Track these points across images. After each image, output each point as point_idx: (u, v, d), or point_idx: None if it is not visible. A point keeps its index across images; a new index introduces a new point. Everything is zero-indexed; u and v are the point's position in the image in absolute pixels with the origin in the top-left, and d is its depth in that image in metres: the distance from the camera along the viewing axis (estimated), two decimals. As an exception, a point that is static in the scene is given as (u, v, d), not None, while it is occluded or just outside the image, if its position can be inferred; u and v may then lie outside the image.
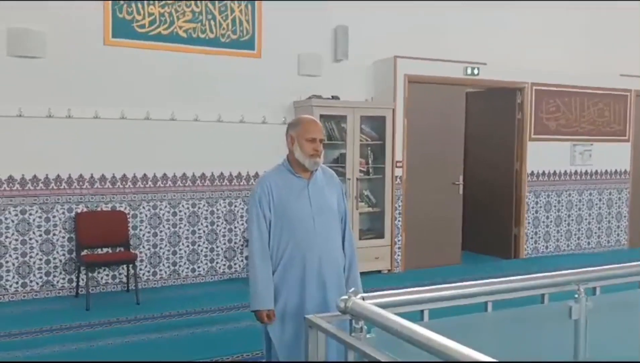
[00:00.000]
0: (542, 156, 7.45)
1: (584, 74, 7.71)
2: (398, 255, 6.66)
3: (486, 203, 7.54)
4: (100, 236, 5.42)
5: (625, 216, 8.18)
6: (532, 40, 7.45)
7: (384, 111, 6.45)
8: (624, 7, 8.07)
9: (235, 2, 6.03)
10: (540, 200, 7.55)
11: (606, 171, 8.00)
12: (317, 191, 2.80)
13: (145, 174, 5.71)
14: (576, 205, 7.84)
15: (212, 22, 5.93)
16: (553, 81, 7.45)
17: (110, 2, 5.47)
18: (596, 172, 7.93)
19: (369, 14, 6.60)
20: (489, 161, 7.53)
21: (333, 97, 6.26)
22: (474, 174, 7.37)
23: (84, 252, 5.37)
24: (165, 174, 5.80)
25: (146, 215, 5.73)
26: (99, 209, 5.52)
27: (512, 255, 7.45)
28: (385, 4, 6.66)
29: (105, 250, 5.53)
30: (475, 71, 6.87)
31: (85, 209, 5.47)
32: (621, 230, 8.18)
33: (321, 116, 5.89)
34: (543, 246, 7.61)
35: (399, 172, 6.57)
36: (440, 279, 5.57)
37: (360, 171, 6.37)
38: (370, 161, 6.50)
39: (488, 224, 7.56)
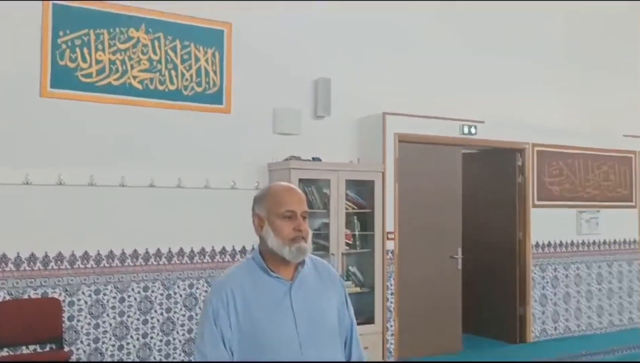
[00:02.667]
0: (546, 224, 6.65)
1: (587, 133, 7.06)
2: (391, 343, 5.65)
3: (487, 278, 6.64)
4: (25, 330, 4.33)
5: (636, 291, 7.36)
6: (533, 97, 6.80)
7: (372, 174, 5.59)
8: (624, 64, 7.54)
9: (201, 49, 5.22)
10: (546, 275, 6.69)
11: (614, 240, 7.23)
12: (306, 299, 1.85)
13: (86, 252, 4.66)
14: (585, 279, 6.99)
15: (173, 72, 5.09)
16: (555, 141, 6.76)
17: (49, 46, 4.60)
18: (604, 242, 7.15)
19: (355, 66, 5.85)
20: (490, 231, 6.68)
21: (314, 159, 5.40)
22: (474, 247, 6.48)
23: (3, 352, 4.26)
24: (111, 252, 4.76)
25: (86, 302, 4.65)
26: (25, 296, 4.44)
27: (517, 339, 6.50)
28: (372, 56, 5.94)
29: (31, 348, 4.42)
30: (472, 130, 6.13)
31: (7, 298, 4.39)
32: (633, 307, 7.33)
33: (300, 181, 5.02)
34: (551, 327, 6.70)
35: (390, 245, 5.65)
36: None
37: (346, 244, 5.43)
38: (357, 232, 5.58)
39: (490, 303, 6.64)
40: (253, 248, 5.17)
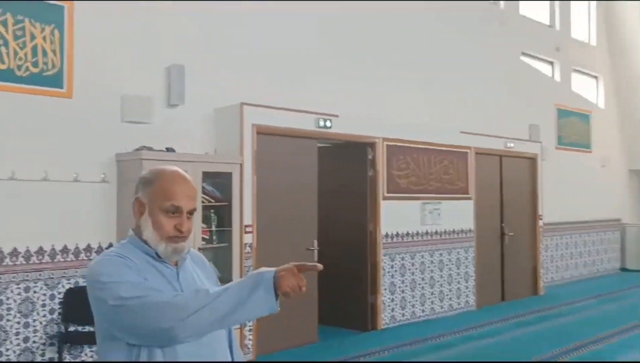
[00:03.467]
0: (395, 216, 6.95)
1: (430, 129, 7.50)
2: (249, 339, 5.53)
3: (342, 269, 6.75)
4: None
5: (472, 276, 7.98)
6: (383, 94, 7.07)
7: (230, 166, 5.42)
8: (461, 63, 8.15)
9: (37, 25, 4.67)
10: (395, 264, 7.00)
11: (454, 230, 7.76)
12: (192, 285, 1.72)
13: None
14: (429, 267, 7.43)
15: (4, 49, 4.49)
16: (402, 136, 7.08)
17: None
18: (445, 231, 7.64)
19: (211, 53, 5.62)
20: (343, 223, 6.82)
21: (167, 150, 5.10)
22: (329, 238, 6.57)
23: None
24: None
25: None
26: None
27: (369, 327, 6.73)
28: (230, 44, 5.76)
29: None
30: (328, 123, 6.20)
31: None
32: (469, 291, 7.94)
33: (154, 172, 4.67)
34: (400, 314, 7.02)
35: (248, 238, 5.52)
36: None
37: (203, 239, 5.20)
38: (214, 227, 5.38)
39: (344, 293, 6.78)
40: (101, 247, 4.77)
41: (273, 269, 1.55)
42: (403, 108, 7.37)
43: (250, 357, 5.50)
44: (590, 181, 11.04)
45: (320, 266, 1.58)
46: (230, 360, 1.82)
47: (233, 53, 5.80)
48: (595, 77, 11.84)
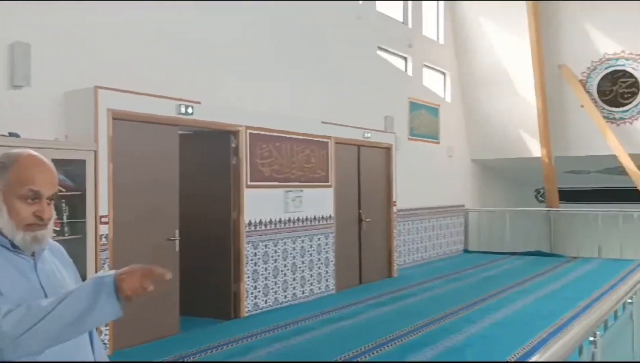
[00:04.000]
0: (258, 204, 6.99)
1: (292, 118, 7.62)
2: (105, 335, 5.28)
3: (204, 258, 6.69)
4: None
5: (332, 261, 8.26)
6: (246, 82, 7.05)
7: (83, 153, 5.10)
8: (322, 56, 8.36)
9: None
10: (258, 251, 7.05)
11: (315, 216, 7.97)
12: (51, 277, 1.64)
13: None
14: (291, 254, 7.57)
15: None
16: (266, 124, 7.12)
17: None
18: (306, 218, 7.83)
19: (61, 32, 5.23)
20: (206, 212, 6.73)
21: (10, 135, 4.68)
22: (191, 227, 6.44)
23: None
24: None
25: None
26: None
27: (232, 315, 6.72)
28: (81, 22, 5.39)
29: None
30: (189, 110, 6.06)
31: None
32: (329, 275, 8.22)
33: (-5, 159, 4.27)
34: (263, 301, 7.09)
35: (104, 229, 5.25)
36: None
37: (54, 230, 4.84)
38: (65, 218, 5.03)
39: (207, 283, 6.71)
40: None
41: (112, 272, 1.48)
42: (267, 97, 7.43)
43: (106, 353, 5.25)
44: (438, 170, 11.92)
45: (169, 274, 1.50)
46: (92, 359, 1.72)
47: (87, 32, 5.46)
48: (443, 73, 12.75)
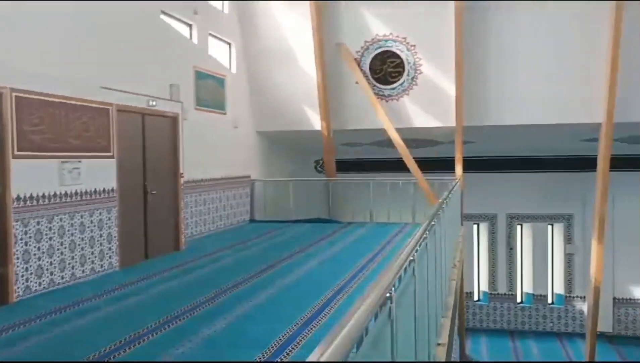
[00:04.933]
0: (29, 177, 6.25)
1: (66, 82, 6.91)
2: None
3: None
4: None
5: (115, 237, 7.77)
6: (14, 39, 6.16)
7: None
8: (100, 15, 7.68)
9: None
10: (29, 230, 6.32)
11: (95, 190, 7.40)
12: None
13: None
14: (69, 231, 6.93)
15: None
16: (37, 88, 6.34)
17: None
18: (86, 192, 7.23)
19: None
20: (-38, 186, 5.80)
21: None
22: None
23: None
24: None
25: None
26: None
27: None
28: None
29: None
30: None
31: None
32: (113, 252, 7.73)
33: None
34: (36, 283, 6.40)
35: None
36: None
37: None
38: None
39: (-34, 268, 5.82)
40: None
41: None
42: (38, 58, 6.59)
43: None
44: (224, 141, 11.90)
45: None
46: None
47: None
48: (229, 43, 12.67)
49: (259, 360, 4.32)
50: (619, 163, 13.26)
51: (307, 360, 1.41)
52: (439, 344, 4.63)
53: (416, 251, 3.03)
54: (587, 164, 14.16)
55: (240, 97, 12.82)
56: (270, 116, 13.45)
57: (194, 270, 7.79)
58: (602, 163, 11.95)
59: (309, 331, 5.01)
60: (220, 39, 12.31)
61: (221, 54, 12.36)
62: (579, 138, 13.47)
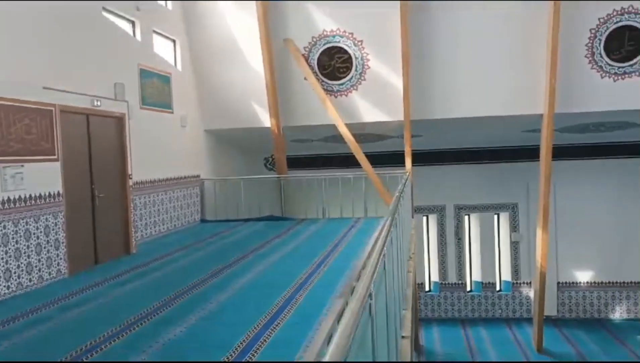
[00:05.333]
0: (-32, 182, 5.91)
1: (6, 83, 6.57)
2: None
3: None
4: None
5: (63, 243, 7.47)
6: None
7: None
8: (44, 14, 7.35)
9: None
10: (-29, 238, 5.99)
11: (40, 195, 7.08)
12: None
13: None
14: (13, 238, 6.61)
15: None
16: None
17: None
18: (30, 197, 6.91)
19: None
20: None
21: None
22: None
23: None
24: None
25: None
26: None
27: (-60, 317, 5.62)
28: None
29: None
30: None
31: None
32: (61, 258, 7.43)
33: None
34: (-20, 295, 6.08)
35: None
36: None
37: None
38: None
39: None
40: None
41: None
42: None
43: None
44: (172, 140, 11.64)
45: None
46: None
47: None
48: (173, 40, 12.39)
49: (228, 361, 4.23)
50: (560, 152, 13.76)
51: (305, 360, 1.37)
52: (403, 337, 4.67)
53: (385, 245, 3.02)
54: (530, 154, 14.63)
55: (187, 95, 12.57)
56: (219, 114, 13.24)
57: (147, 274, 7.58)
58: (545, 153, 12.35)
59: (272, 330, 4.95)
60: (165, 36, 12.02)
61: (166, 52, 12.08)
62: (522, 129, 13.87)
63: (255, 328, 5.00)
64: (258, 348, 4.50)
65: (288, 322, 5.17)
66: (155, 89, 11.10)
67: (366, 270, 2.23)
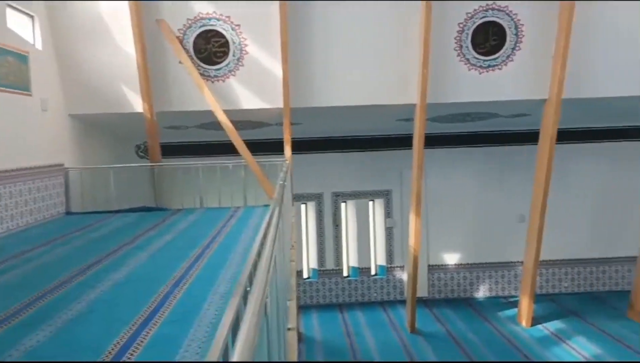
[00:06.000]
0: None
1: None
2: None
3: None
4: None
5: None
6: None
7: None
8: None
9: None
10: None
11: None
12: None
13: None
14: None
15: None
16: None
17: None
18: None
19: None
20: None
21: None
22: None
23: None
24: None
25: None
26: None
27: None
28: None
29: None
30: None
31: None
32: None
33: None
34: None
35: None
36: None
37: None
38: None
39: None
40: None
41: None
42: None
43: None
44: (31, 125, 10.63)
45: None
46: None
47: None
48: (32, 16, 11.29)
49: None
50: (431, 141, 14.41)
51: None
52: (289, 329, 4.55)
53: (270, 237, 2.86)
54: (402, 142, 15.18)
55: (48, 76, 11.53)
56: (85, 97, 12.30)
57: (4, 273, 6.82)
58: (417, 142, 12.84)
59: (150, 329, 4.62)
60: (21, 11, 10.91)
61: (24, 29, 10.97)
62: (396, 118, 14.33)
63: (130, 328, 4.63)
64: (136, 349, 4.16)
65: (167, 319, 4.85)
66: (10, 68, 10.05)
67: (261, 265, 2.06)
